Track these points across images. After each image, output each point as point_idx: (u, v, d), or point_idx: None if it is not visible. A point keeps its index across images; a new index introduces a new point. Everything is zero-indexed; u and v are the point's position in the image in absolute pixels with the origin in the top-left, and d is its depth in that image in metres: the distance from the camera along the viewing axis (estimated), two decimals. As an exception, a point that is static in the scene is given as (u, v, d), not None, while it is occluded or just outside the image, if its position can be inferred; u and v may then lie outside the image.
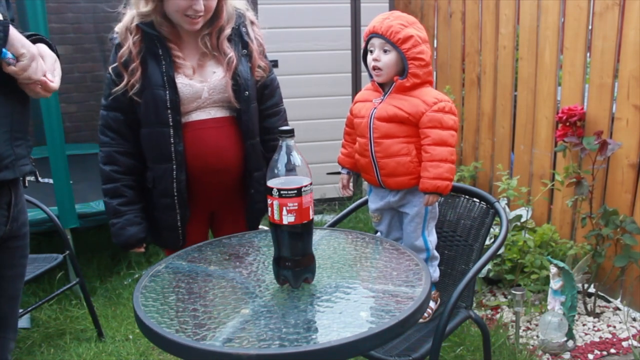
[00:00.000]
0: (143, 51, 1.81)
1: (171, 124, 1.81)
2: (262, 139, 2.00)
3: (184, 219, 1.92)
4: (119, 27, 1.85)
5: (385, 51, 1.79)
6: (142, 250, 1.97)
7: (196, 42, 1.87)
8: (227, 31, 1.86)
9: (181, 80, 1.82)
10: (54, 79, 1.37)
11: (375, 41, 1.80)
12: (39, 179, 1.62)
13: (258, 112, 1.97)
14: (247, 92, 1.88)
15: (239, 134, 1.91)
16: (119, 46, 1.83)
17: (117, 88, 1.82)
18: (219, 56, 1.87)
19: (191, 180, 1.89)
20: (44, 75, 1.34)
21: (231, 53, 1.85)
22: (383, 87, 1.87)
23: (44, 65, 1.33)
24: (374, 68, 1.82)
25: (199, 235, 2.00)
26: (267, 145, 2.01)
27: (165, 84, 1.79)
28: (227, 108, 1.90)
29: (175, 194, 1.87)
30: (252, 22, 1.94)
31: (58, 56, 1.46)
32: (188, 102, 1.84)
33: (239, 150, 1.91)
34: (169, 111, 1.80)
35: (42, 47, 1.38)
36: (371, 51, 1.83)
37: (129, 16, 1.83)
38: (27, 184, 1.52)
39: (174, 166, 1.83)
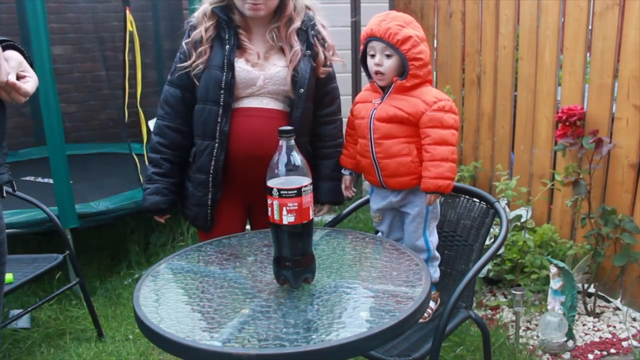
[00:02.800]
0: (213, 36, 1.90)
1: (222, 104, 1.88)
2: (314, 145, 2.06)
3: (214, 199, 1.96)
4: (197, 12, 1.94)
5: (387, 56, 1.79)
6: (162, 220, 2.05)
7: (264, 35, 1.93)
8: (297, 24, 1.92)
9: (240, 65, 1.89)
10: (24, 82, 1.33)
11: (376, 45, 1.80)
12: (15, 189, 1.61)
13: (314, 116, 2.02)
14: (302, 90, 1.92)
15: None
16: (194, 28, 1.93)
17: (182, 65, 1.92)
18: (285, 48, 1.92)
19: (230, 163, 1.93)
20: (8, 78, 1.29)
21: (297, 47, 1.91)
22: (382, 87, 1.87)
23: (7, 68, 1.30)
24: (377, 73, 1.82)
25: (232, 223, 2.04)
26: (318, 151, 2.06)
27: (224, 66, 1.87)
28: (281, 102, 1.95)
29: (211, 171, 1.92)
30: (323, 25, 2.00)
31: (30, 63, 1.42)
32: (243, 87, 1.90)
33: None
34: (222, 91, 1.87)
35: (7, 52, 1.35)
36: (372, 55, 1.82)
37: (207, 3, 1.92)
38: (4, 195, 1.47)
39: (216, 144, 1.89)
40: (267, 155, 1.86)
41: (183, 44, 1.94)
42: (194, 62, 1.90)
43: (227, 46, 1.88)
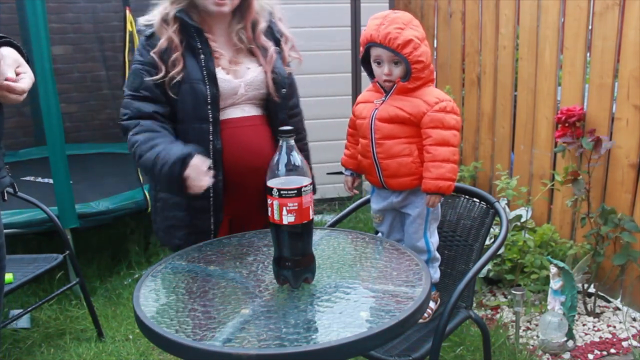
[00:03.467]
0: (184, 43, 1.74)
1: (210, 120, 1.74)
2: None
3: (217, 222, 1.81)
4: (147, 19, 1.78)
5: (395, 63, 1.77)
6: (207, 176, 1.59)
7: (229, 37, 1.83)
8: (263, 24, 1.82)
9: (221, 76, 1.77)
10: (19, 80, 1.31)
11: (382, 53, 1.77)
12: (16, 190, 1.55)
13: None
14: (283, 90, 1.86)
15: (271, 133, 1.86)
16: (152, 37, 1.75)
17: (152, 78, 1.72)
18: (255, 50, 1.82)
19: (226, 181, 1.80)
20: (6, 79, 1.28)
21: (271, 47, 1.82)
22: (384, 87, 1.86)
23: (4, 69, 1.28)
24: (386, 81, 1.81)
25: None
26: None
27: (205, 79, 1.73)
28: (259, 106, 1.86)
29: (211, 195, 1.76)
30: (280, 19, 1.90)
31: (26, 58, 1.39)
32: (225, 98, 1.77)
33: (273, 149, 1.87)
34: (209, 107, 1.74)
35: (3, 50, 1.33)
36: (378, 63, 1.81)
37: (162, 7, 1.76)
38: (6, 198, 1.41)
39: (212, 165, 1.70)
40: (263, 164, 1.64)
41: (152, 54, 1.72)
42: (167, 73, 1.72)
43: (203, 56, 1.74)
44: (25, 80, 1.33)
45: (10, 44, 1.38)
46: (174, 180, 1.59)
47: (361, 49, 1.86)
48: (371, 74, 1.88)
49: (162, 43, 1.73)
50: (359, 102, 1.93)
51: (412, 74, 1.76)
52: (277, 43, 1.87)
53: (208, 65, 1.74)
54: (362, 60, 1.89)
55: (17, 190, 1.58)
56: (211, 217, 1.80)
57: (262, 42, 1.83)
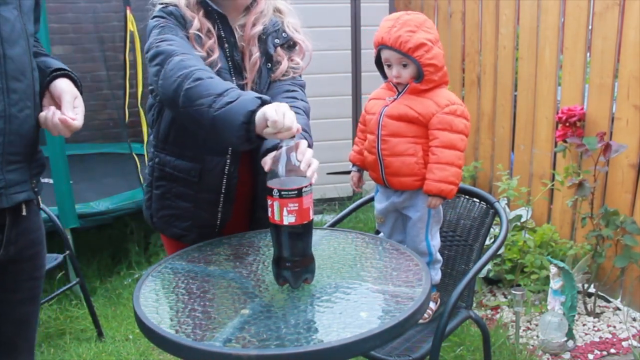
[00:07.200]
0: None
1: None
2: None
3: (224, 218, 1.73)
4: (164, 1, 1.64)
5: (404, 65, 1.78)
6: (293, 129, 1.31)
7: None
8: (258, 28, 1.69)
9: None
10: (75, 117, 1.30)
11: (391, 56, 1.77)
12: (41, 205, 1.53)
13: None
14: None
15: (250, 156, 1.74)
16: (175, 16, 1.62)
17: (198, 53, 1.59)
18: (245, 51, 1.69)
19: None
20: (63, 114, 1.28)
21: (257, 54, 1.68)
22: (397, 86, 1.86)
23: (65, 107, 1.30)
24: (397, 83, 1.81)
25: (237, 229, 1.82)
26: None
27: (230, 69, 1.64)
28: None
29: (223, 190, 1.68)
30: (295, 30, 1.78)
31: (80, 90, 1.40)
32: None
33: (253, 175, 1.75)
34: None
35: (61, 84, 1.36)
36: (389, 65, 1.81)
37: None
38: (24, 212, 1.39)
39: (228, 160, 1.64)
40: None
41: (191, 32, 1.59)
42: (207, 57, 1.60)
43: (227, 45, 1.65)
44: (79, 117, 1.32)
45: (66, 76, 1.39)
46: (247, 114, 1.35)
47: (374, 50, 1.86)
48: (385, 75, 1.88)
49: (196, 24, 1.60)
50: (371, 98, 1.93)
51: (424, 77, 1.76)
52: (270, 59, 1.72)
53: (233, 55, 1.66)
54: (376, 62, 1.89)
55: (40, 205, 1.54)
56: (219, 213, 1.72)
57: (252, 47, 1.69)
